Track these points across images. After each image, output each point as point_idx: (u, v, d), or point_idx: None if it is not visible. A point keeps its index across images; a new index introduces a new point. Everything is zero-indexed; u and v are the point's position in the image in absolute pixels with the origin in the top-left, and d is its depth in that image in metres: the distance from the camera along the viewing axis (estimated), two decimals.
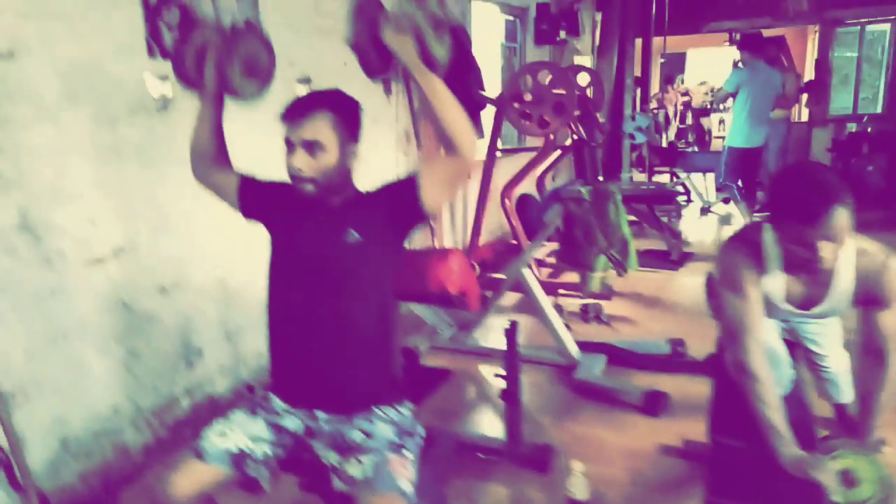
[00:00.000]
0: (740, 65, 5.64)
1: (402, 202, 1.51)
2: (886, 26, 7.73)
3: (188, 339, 2.52)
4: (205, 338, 2.59)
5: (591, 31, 6.77)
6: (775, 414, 1.52)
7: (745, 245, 1.67)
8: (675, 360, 3.11)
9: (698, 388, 2.87)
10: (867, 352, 1.65)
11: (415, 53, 1.39)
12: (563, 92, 3.60)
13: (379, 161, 3.64)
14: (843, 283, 1.61)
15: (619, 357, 3.12)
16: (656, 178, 7.04)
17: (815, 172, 1.50)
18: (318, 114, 1.49)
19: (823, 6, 7.62)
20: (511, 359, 2.23)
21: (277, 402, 1.62)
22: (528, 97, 3.66)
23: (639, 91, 7.50)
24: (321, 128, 1.49)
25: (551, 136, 3.82)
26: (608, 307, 3.90)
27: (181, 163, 2.38)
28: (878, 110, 7.95)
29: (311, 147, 1.49)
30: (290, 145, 1.52)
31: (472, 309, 2.23)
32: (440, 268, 1.99)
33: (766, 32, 8.12)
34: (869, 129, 7.03)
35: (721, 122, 10.55)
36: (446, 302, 2.13)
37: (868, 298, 1.61)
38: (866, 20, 7.78)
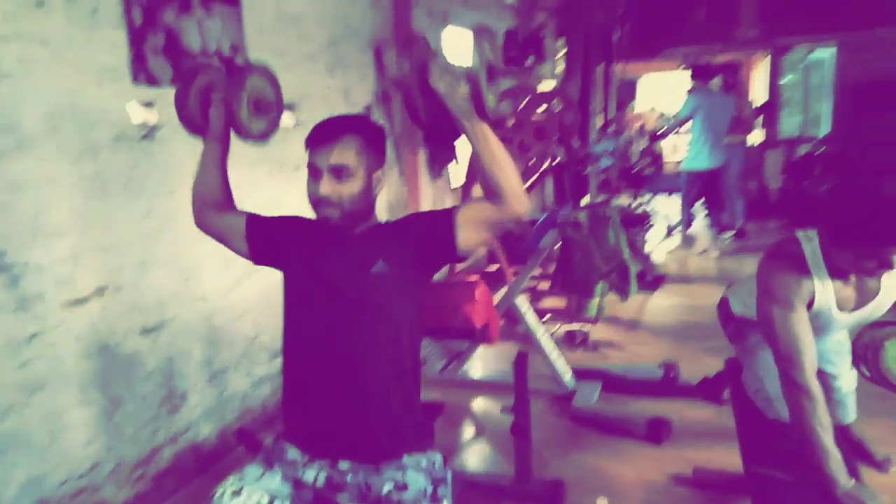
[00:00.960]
0: (693, 91, 5.83)
1: (436, 239, 1.43)
2: (827, 53, 8.12)
3: (172, 383, 2.35)
4: (189, 381, 2.43)
5: (553, 57, 6.87)
6: (830, 438, 1.50)
7: (787, 261, 1.65)
8: (668, 384, 3.09)
9: (696, 413, 2.86)
10: None
11: (465, 100, 1.32)
12: (545, 117, 3.61)
13: None
14: (892, 279, 1.62)
15: (614, 383, 3.08)
16: (616, 202, 7.14)
17: (885, 192, 1.48)
18: (346, 138, 1.42)
19: (771, 33, 7.95)
20: (521, 391, 2.15)
21: (294, 452, 1.50)
22: (510, 122, 3.64)
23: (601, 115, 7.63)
24: (349, 153, 1.41)
25: (532, 161, 3.80)
26: (592, 332, 3.88)
27: (167, 194, 2.26)
28: (821, 133, 8.29)
29: (339, 173, 1.41)
30: (315, 171, 1.43)
31: (492, 342, 2.15)
32: (465, 300, 1.91)
33: (721, 58, 8.46)
34: (819, 151, 7.31)
35: (674, 146, 10.85)
36: (468, 336, 2.04)
37: None
38: (811, 47, 8.15)
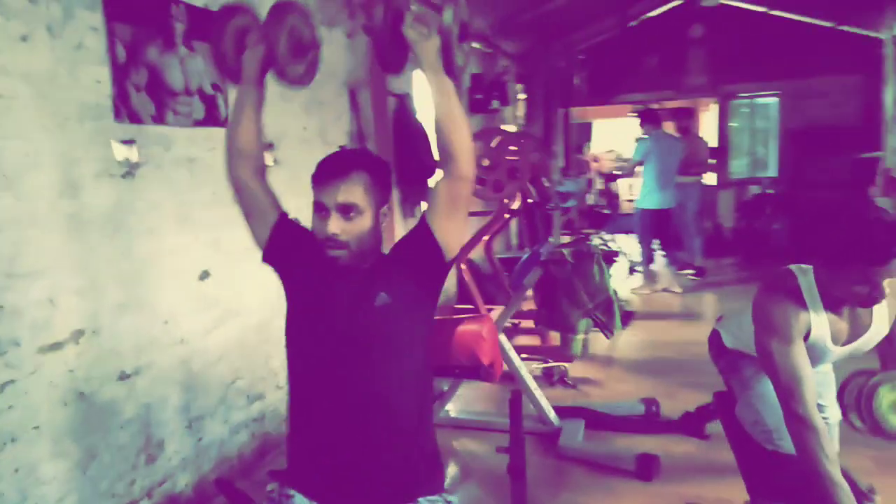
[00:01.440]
0: (644, 136, 6.08)
1: (421, 249, 1.42)
2: (771, 99, 8.57)
3: (149, 431, 2.23)
4: (167, 428, 2.31)
5: (515, 101, 7.04)
6: (836, 469, 1.51)
7: (783, 294, 1.68)
8: (651, 420, 3.10)
9: (680, 448, 2.87)
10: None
11: (436, 52, 1.34)
12: (517, 157, 3.66)
13: None
14: (882, 311, 1.66)
15: (597, 421, 3.07)
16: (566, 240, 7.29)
17: (876, 212, 1.53)
18: (354, 175, 1.39)
19: (719, 82, 8.36)
20: (516, 431, 2.12)
21: (301, 500, 1.43)
22: (485, 162, 3.68)
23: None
24: (357, 190, 1.39)
25: (505, 200, 3.84)
26: (569, 369, 3.88)
27: (146, 233, 2.19)
28: (768, 174, 8.68)
29: (347, 211, 1.38)
30: (322, 209, 1.39)
31: (494, 380, 2.12)
32: (471, 336, 1.87)
33: (673, 104, 8.83)
34: (770, 192, 7.64)
35: (630, 186, 11.18)
36: (473, 374, 2.00)
37: None
38: (756, 94, 8.60)
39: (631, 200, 10.51)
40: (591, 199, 8.79)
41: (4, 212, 1.74)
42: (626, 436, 2.99)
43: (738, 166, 8.99)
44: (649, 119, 6.10)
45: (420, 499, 1.41)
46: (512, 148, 3.63)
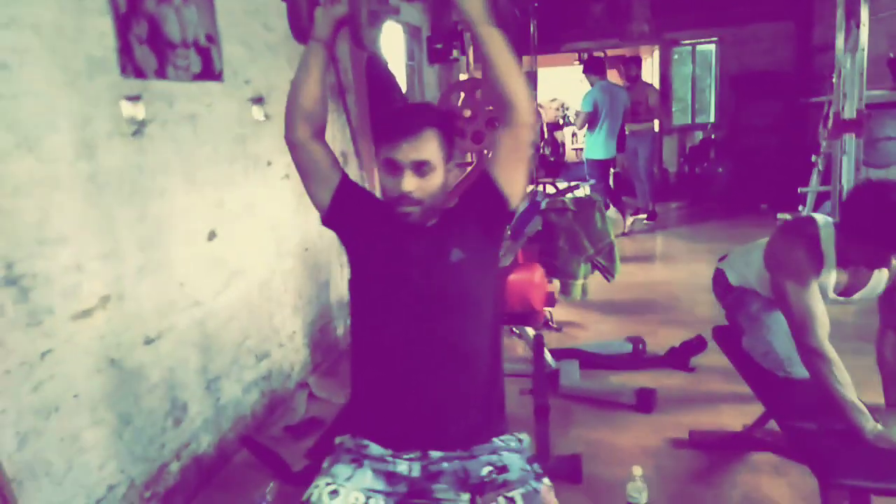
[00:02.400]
0: (592, 86, 6.18)
1: (487, 199, 1.45)
2: (711, 47, 8.84)
3: (174, 395, 2.21)
4: (188, 391, 2.29)
5: (469, 51, 6.97)
6: (851, 392, 1.67)
7: (803, 239, 1.81)
8: (639, 357, 3.28)
9: (671, 381, 3.06)
10: (891, 326, 1.88)
11: (481, 5, 1.35)
12: (490, 107, 3.68)
13: None
14: (882, 273, 1.81)
15: (590, 360, 3.23)
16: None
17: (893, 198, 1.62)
18: (426, 132, 1.39)
19: (661, 29, 8.53)
20: (539, 372, 2.22)
21: (377, 448, 1.47)
22: (466, 113, 3.69)
23: None
24: (431, 147, 1.39)
25: (485, 151, 3.87)
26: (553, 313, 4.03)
27: (158, 194, 2.13)
28: (709, 120, 9.02)
29: (422, 167, 1.38)
30: (395, 166, 1.39)
31: (539, 325, 2.19)
32: (525, 284, 1.93)
33: (618, 52, 8.96)
34: (713, 136, 7.95)
35: (573, 135, 11.38)
36: (524, 320, 2.06)
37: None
38: (696, 41, 8.84)
39: (576, 149, 10.74)
40: (545, 149, 8.91)
41: (29, 174, 1.65)
42: (618, 373, 3.17)
43: (680, 113, 9.29)
44: (594, 68, 6.20)
45: (494, 439, 1.48)
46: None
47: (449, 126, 1.47)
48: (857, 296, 1.88)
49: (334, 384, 3.19)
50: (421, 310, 1.42)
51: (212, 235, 2.43)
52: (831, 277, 1.82)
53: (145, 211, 2.07)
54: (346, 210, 1.50)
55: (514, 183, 1.44)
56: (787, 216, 6.14)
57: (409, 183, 1.38)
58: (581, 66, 6.80)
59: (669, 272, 4.98)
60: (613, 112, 6.03)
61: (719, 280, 2.30)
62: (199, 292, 2.34)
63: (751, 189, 7.31)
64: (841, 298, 1.89)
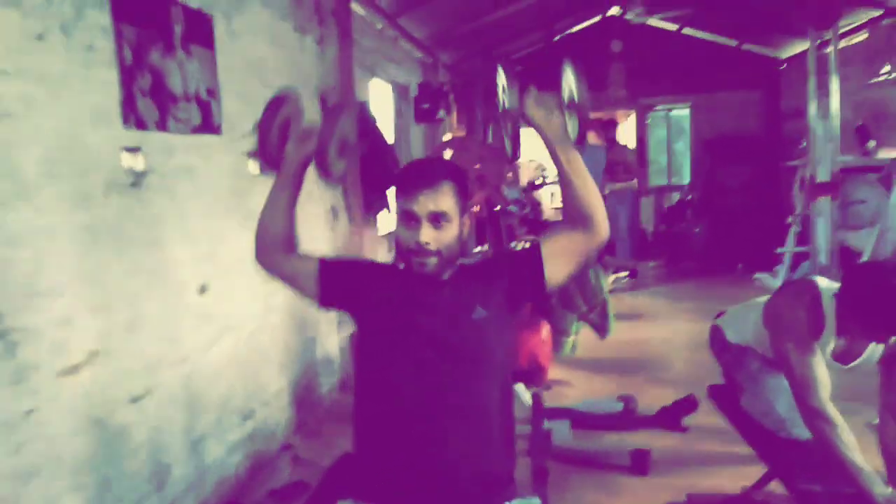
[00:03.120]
0: None
1: (526, 276, 1.45)
2: (685, 111, 9.18)
3: (158, 457, 2.10)
4: (172, 453, 2.18)
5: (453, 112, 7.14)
6: (859, 456, 1.65)
7: (805, 302, 1.82)
8: (630, 417, 3.24)
9: (663, 442, 3.02)
10: (890, 409, 1.86)
11: (561, 129, 1.37)
12: (484, 166, 3.75)
13: (308, 237, 3.42)
14: (876, 348, 1.83)
15: (581, 420, 3.18)
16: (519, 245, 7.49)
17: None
18: (444, 184, 1.40)
19: (637, 94, 8.86)
20: (537, 433, 2.16)
21: None
22: None
23: None
24: (447, 198, 1.40)
25: (474, 209, 3.91)
26: None
27: (152, 246, 2.09)
28: (685, 182, 9.27)
29: (438, 219, 1.38)
30: (412, 218, 1.39)
31: (542, 384, 2.16)
32: (533, 341, 1.90)
33: (595, 115, 9.23)
34: (689, 197, 8.16)
35: (552, 194, 11.58)
36: (529, 378, 2.03)
37: (891, 354, 1.84)
38: (670, 106, 9.17)
39: (556, 208, 10.90)
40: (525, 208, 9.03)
41: (24, 224, 1.60)
42: (610, 433, 3.12)
43: (657, 174, 9.55)
44: None
45: (506, 503, 1.43)
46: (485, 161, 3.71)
47: (464, 179, 1.48)
48: (852, 364, 1.88)
49: (319, 445, 3.08)
50: (436, 362, 1.39)
51: (203, 289, 2.38)
52: (829, 342, 1.83)
53: (138, 263, 2.02)
54: (336, 287, 1.51)
55: (559, 274, 1.45)
56: (764, 275, 6.26)
57: (426, 234, 1.38)
58: None
59: (653, 330, 5.00)
60: (593, 173, 6.16)
61: (716, 337, 2.31)
62: (187, 348, 2.27)
63: (727, 249, 7.47)
64: (836, 364, 1.89)
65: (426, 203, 1.37)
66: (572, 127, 1.39)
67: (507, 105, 1.41)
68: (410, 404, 1.39)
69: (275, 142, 1.46)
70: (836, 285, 1.84)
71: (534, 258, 1.44)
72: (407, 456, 1.39)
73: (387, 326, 1.44)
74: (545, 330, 2.01)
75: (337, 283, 1.51)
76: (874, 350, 1.85)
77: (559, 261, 1.44)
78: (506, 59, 1.42)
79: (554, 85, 1.39)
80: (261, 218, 1.51)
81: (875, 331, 1.71)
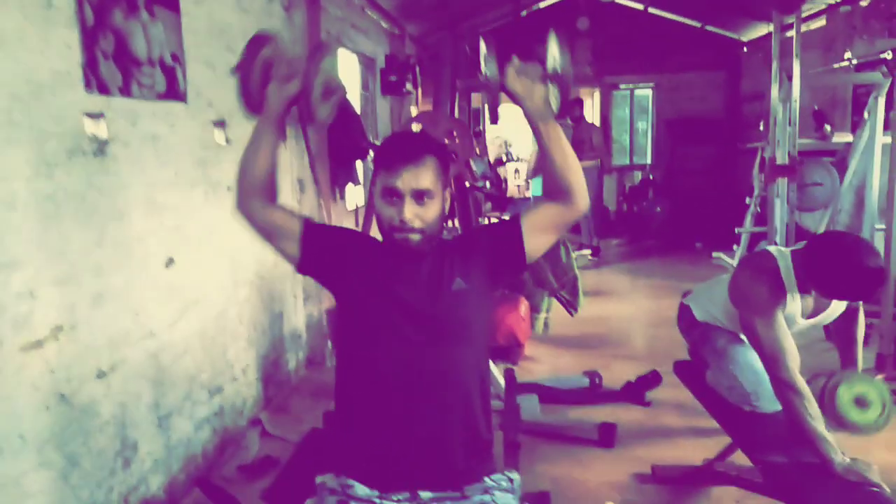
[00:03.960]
0: None
1: (506, 249, 1.45)
2: (647, 91, 9.27)
3: (124, 433, 2.05)
4: (139, 429, 2.13)
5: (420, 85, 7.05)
6: (821, 425, 1.72)
7: (763, 273, 1.87)
8: (596, 391, 3.31)
9: (629, 416, 3.10)
10: (845, 315, 2.01)
11: (543, 102, 1.36)
12: (447, 141, 3.71)
13: None
14: None
15: (548, 395, 3.23)
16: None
17: (869, 258, 1.70)
18: (426, 160, 1.38)
19: (602, 73, 8.90)
20: (510, 408, 2.18)
21: (363, 489, 1.40)
22: None
23: None
24: (430, 175, 1.38)
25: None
26: None
27: (117, 217, 2.02)
28: (646, 161, 9.41)
29: (422, 196, 1.37)
30: (394, 194, 1.36)
31: (517, 361, 2.16)
32: (512, 318, 1.90)
33: None
34: (651, 177, 8.28)
35: (516, 171, 11.61)
36: (505, 355, 2.03)
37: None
38: (634, 86, 9.25)
39: (519, 185, 10.95)
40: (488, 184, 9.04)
41: None
42: (576, 407, 3.18)
43: (618, 153, 9.66)
44: None
45: (485, 478, 1.44)
46: (454, 133, 3.67)
47: (446, 155, 1.46)
48: (822, 316, 1.96)
49: (287, 421, 3.05)
50: (416, 336, 1.38)
51: (169, 262, 2.31)
52: (797, 304, 1.90)
53: (103, 234, 1.95)
54: (319, 253, 1.46)
55: (539, 247, 1.45)
56: (721, 255, 6.42)
57: (409, 210, 1.36)
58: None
59: (617, 307, 5.09)
60: None
61: (685, 316, 2.35)
62: (154, 322, 2.21)
63: (686, 228, 7.64)
64: (810, 321, 1.97)
65: (409, 179, 1.35)
66: (554, 99, 1.38)
67: (487, 75, 1.38)
68: (391, 377, 1.38)
69: (256, 83, 1.39)
70: (787, 249, 1.92)
71: (514, 231, 1.44)
72: (386, 432, 1.39)
73: (367, 300, 1.42)
74: (524, 307, 2.01)
75: (320, 250, 1.46)
76: (837, 304, 1.95)
77: (539, 234, 1.44)
78: (531, 44, 1.38)
79: (536, 56, 1.38)
80: (242, 162, 1.44)
81: (828, 292, 1.80)
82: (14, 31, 1.61)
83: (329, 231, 1.52)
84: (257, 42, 1.41)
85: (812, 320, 2.00)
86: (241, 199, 1.45)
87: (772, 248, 1.97)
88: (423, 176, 1.36)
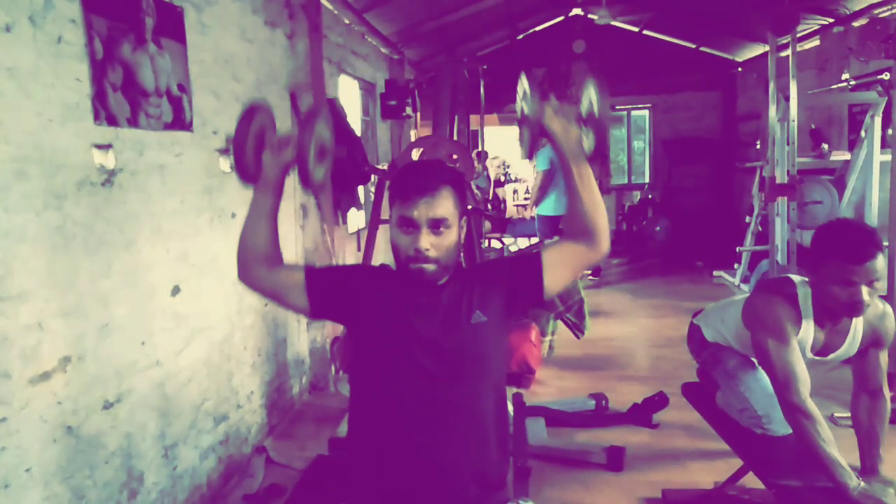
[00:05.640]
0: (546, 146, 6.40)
1: (524, 283, 1.45)
2: (645, 112, 9.35)
3: (130, 464, 2.03)
4: (145, 460, 2.11)
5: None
6: (835, 450, 1.70)
7: (782, 298, 1.87)
8: (602, 414, 3.29)
9: (636, 438, 3.07)
10: (865, 390, 1.93)
11: (577, 142, 1.37)
12: (457, 164, 3.73)
13: (281, 236, 3.35)
14: (857, 330, 1.89)
15: (555, 418, 3.21)
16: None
17: (859, 224, 1.75)
18: (443, 190, 1.39)
19: None
20: (520, 433, 2.17)
21: None
22: None
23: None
24: (447, 205, 1.39)
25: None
26: None
27: (124, 247, 2.03)
28: (645, 181, 9.45)
29: (438, 225, 1.37)
30: (411, 224, 1.37)
31: (529, 387, 2.16)
32: (523, 343, 1.90)
33: None
34: (650, 196, 8.32)
35: (514, 191, 11.66)
36: (517, 381, 2.03)
37: (871, 342, 1.90)
38: (631, 107, 9.33)
39: (518, 206, 11.00)
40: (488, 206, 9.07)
41: None
42: (583, 430, 3.16)
43: (615, 173, 9.71)
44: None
45: None
46: (454, 156, 3.69)
47: (462, 184, 1.47)
48: (832, 356, 1.94)
49: (292, 448, 3.03)
50: (433, 367, 1.38)
51: (175, 290, 2.31)
52: (809, 335, 1.88)
53: (110, 264, 1.95)
54: (326, 297, 1.47)
55: (557, 283, 1.46)
56: (723, 273, 6.43)
57: (426, 240, 1.36)
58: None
59: (619, 327, 5.08)
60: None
61: (694, 336, 2.35)
62: (160, 351, 2.20)
63: (686, 247, 7.65)
64: (817, 358, 1.95)
65: (426, 210, 1.36)
66: (588, 141, 1.39)
67: (526, 112, 1.39)
68: (405, 408, 1.38)
69: (251, 154, 1.41)
70: (806, 279, 1.91)
71: (534, 266, 1.44)
72: (400, 459, 1.38)
73: (383, 331, 1.42)
74: (534, 333, 2.02)
75: (326, 292, 1.47)
76: (853, 341, 1.91)
77: (559, 271, 1.44)
78: (528, 67, 1.41)
79: (574, 98, 1.40)
80: (242, 234, 1.45)
81: (836, 270, 1.73)
82: (27, 66, 1.63)
83: (332, 272, 1.54)
84: (249, 114, 1.43)
85: (819, 357, 1.97)
86: (245, 269, 1.46)
87: (794, 277, 1.96)
88: (439, 205, 1.37)
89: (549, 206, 6.30)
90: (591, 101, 1.35)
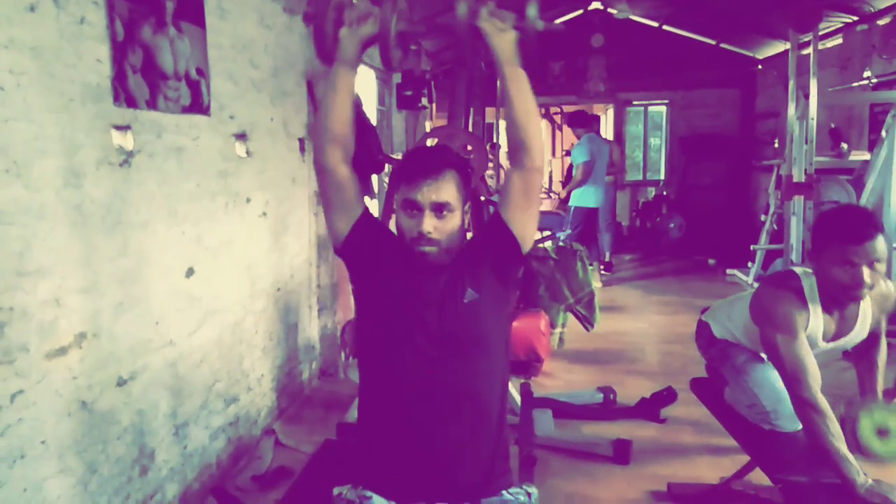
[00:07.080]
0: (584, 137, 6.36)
1: (499, 242, 1.45)
2: (662, 108, 9.28)
3: (142, 441, 2.07)
4: (157, 437, 2.15)
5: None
6: (843, 445, 1.70)
7: (788, 291, 1.87)
8: (610, 408, 3.29)
9: (643, 432, 3.07)
10: (866, 340, 1.98)
11: (512, 46, 1.38)
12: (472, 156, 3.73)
13: (292, 221, 3.39)
14: (866, 312, 1.89)
15: (562, 410, 3.21)
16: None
17: (858, 207, 1.77)
18: (447, 174, 1.40)
19: (616, 89, 8.92)
20: (526, 422, 2.19)
21: (381, 501, 1.41)
22: None
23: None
24: (450, 188, 1.40)
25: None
26: None
27: (140, 226, 2.05)
28: (659, 177, 9.39)
29: (441, 209, 1.39)
30: (415, 207, 1.39)
31: (538, 375, 2.17)
32: (531, 331, 1.90)
33: (575, 108, 9.28)
34: (665, 193, 8.27)
35: None
36: (524, 369, 2.03)
37: (879, 322, 1.91)
38: (648, 102, 9.26)
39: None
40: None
41: (14, 202, 1.55)
42: (590, 423, 3.17)
43: (631, 169, 9.67)
44: (581, 122, 6.39)
45: (503, 492, 1.44)
46: (469, 147, 3.69)
47: (466, 169, 1.48)
48: (843, 340, 1.94)
49: (301, 431, 3.06)
50: (433, 351, 1.40)
51: (190, 272, 2.34)
52: (819, 324, 1.88)
53: (127, 244, 1.98)
54: (362, 243, 1.47)
55: (526, 225, 1.45)
56: (736, 272, 6.39)
57: (429, 223, 1.38)
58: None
59: (630, 323, 5.07)
60: (601, 162, 6.23)
61: (703, 332, 2.34)
62: (173, 331, 2.23)
63: (700, 244, 7.61)
64: (831, 345, 1.95)
65: (429, 193, 1.37)
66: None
67: (459, 14, 1.38)
68: (410, 390, 1.40)
69: (330, 31, 1.38)
70: (811, 270, 1.91)
71: (498, 222, 1.45)
72: (407, 440, 1.40)
73: (386, 311, 1.44)
74: (543, 321, 2.02)
75: (364, 239, 1.47)
76: (863, 326, 1.92)
77: (517, 211, 1.43)
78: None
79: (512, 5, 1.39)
80: (321, 115, 1.43)
81: (837, 251, 1.75)
82: (50, 46, 1.65)
83: (379, 228, 1.51)
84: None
85: (833, 343, 1.98)
86: (319, 148, 1.43)
87: (797, 269, 1.96)
88: (443, 189, 1.38)
89: (588, 199, 6.25)
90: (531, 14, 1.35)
